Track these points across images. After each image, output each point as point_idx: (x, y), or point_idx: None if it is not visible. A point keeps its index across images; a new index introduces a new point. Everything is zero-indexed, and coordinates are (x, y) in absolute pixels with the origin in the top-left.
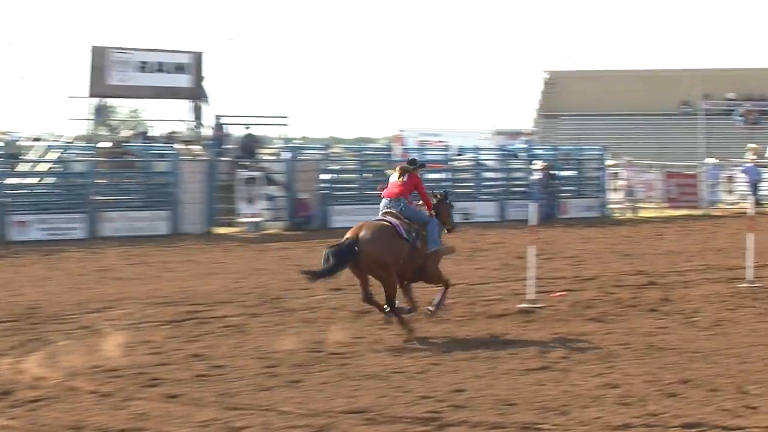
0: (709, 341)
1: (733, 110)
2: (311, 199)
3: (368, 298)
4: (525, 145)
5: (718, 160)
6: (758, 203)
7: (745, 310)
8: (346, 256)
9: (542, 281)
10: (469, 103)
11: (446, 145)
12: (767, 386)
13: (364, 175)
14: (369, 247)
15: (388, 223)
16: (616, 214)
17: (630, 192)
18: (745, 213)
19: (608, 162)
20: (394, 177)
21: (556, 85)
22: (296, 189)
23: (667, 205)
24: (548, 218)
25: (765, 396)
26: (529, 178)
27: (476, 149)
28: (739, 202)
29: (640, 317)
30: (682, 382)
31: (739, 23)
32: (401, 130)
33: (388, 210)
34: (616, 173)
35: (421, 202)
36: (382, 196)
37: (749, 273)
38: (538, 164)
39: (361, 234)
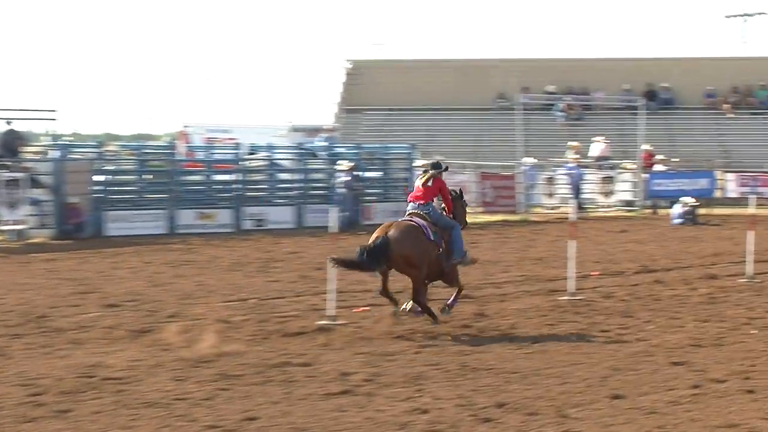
0: (527, 360)
1: (553, 105)
2: (83, 204)
3: (385, 292)
4: (325, 143)
5: (536, 160)
6: (581, 207)
7: (566, 325)
8: (379, 254)
9: (344, 295)
10: (262, 95)
11: (237, 143)
12: (589, 409)
13: (144, 176)
14: (400, 246)
15: (415, 224)
16: None
17: None
18: (566, 218)
19: (417, 162)
20: (419, 181)
21: (359, 75)
22: (65, 192)
23: (482, 209)
24: (351, 225)
25: (587, 420)
26: (330, 180)
27: (270, 147)
28: (560, 207)
29: (451, 334)
30: (498, 405)
31: (558, 10)
32: (186, 126)
33: (415, 211)
34: None
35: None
36: (408, 201)
37: (570, 284)
38: (345, 164)
39: (391, 233)
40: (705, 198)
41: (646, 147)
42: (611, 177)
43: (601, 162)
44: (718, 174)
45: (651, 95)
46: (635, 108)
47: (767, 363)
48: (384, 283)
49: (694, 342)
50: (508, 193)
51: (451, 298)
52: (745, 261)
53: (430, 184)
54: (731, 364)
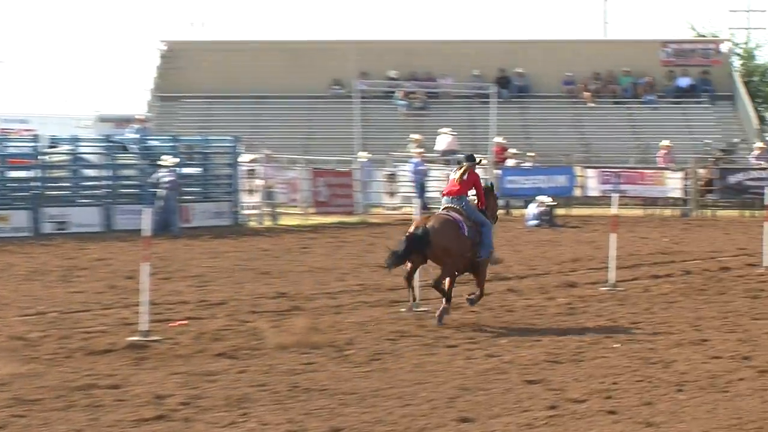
0: (365, 380)
1: (394, 92)
2: None
3: (410, 279)
4: (137, 135)
5: (371, 154)
6: (426, 207)
7: (408, 340)
8: (418, 244)
9: (158, 307)
10: (64, 80)
11: (35, 135)
12: None
13: None
14: (439, 236)
15: (451, 218)
16: (251, 222)
17: (269, 194)
18: (409, 220)
19: (242, 156)
20: (454, 174)
21: (175, 59)
22: None
23: (314, 210)
24: (166, 227)
25: None
26: (143, 177)
27: (74, 140)
28: (402, 207)
29: (281, 351)
30: (333, 431)
31: None
32: None
33: (451, 206)
34: (251, 170)
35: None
36: (443, 195)
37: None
38: (168, 160)
39: (430, 224)
40: (563, 197)
41: (498, 140)
42: None
43: (447, 156)
44: (577, 170)
45: (504, 82)
46: (486, 96)
47: (630, 381)
48: (412, 272)
49: (551, 358)
50: (344, 192)
51: (475, 295)
52: (607, 267)
53: (465, 177)
54: (591, 382)
